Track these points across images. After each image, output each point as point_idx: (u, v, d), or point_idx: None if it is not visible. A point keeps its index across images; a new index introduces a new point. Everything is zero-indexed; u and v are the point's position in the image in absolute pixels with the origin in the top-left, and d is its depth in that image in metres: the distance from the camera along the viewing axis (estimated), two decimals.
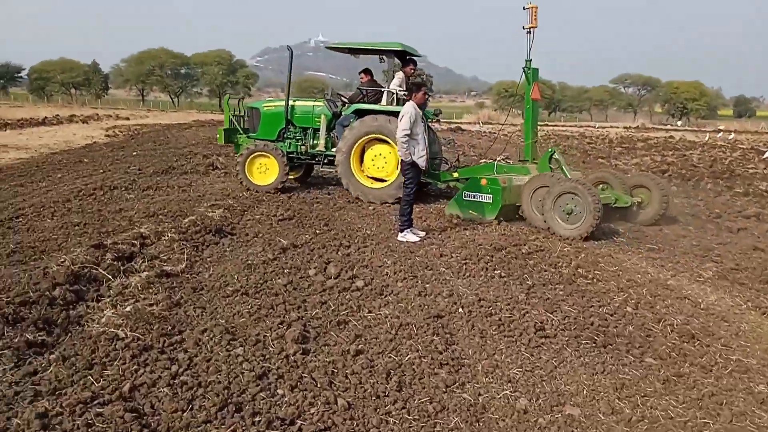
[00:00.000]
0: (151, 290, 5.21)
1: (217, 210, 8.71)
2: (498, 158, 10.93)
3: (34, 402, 3.29)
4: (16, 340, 4.03)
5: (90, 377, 3.58)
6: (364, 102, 10.83)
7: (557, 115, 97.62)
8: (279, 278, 5.66)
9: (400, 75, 10.82)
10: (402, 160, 7.39)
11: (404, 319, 4.72)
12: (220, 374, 3.71)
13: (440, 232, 7.96)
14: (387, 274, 5.95)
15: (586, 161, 18.34)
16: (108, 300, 4.96)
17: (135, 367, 3.76)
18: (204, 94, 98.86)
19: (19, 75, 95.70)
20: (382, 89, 10.78)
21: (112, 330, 4.27)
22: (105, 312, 4.69)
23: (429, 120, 10.36)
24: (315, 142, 11.00)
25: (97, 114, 36.75)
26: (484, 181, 8.60)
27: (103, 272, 5.51)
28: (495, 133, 33.75)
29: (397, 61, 11.22)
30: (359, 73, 11.60)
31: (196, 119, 39.50)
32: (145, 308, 4.73)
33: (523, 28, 9.19)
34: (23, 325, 4.28)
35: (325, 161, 11.09)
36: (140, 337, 4.20)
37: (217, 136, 11.62)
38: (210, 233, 7.26)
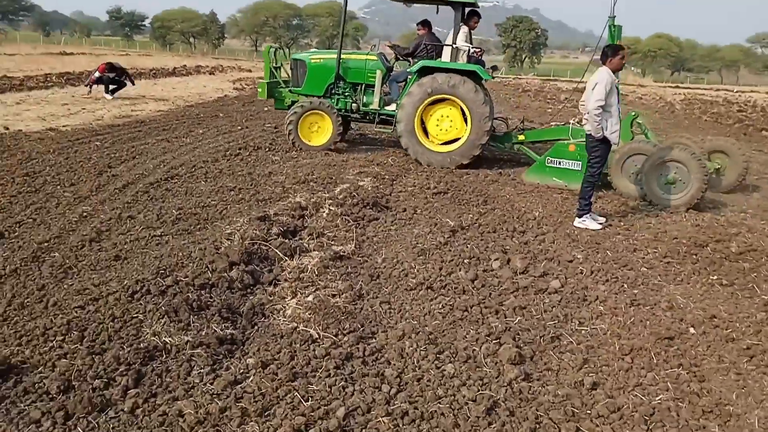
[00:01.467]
0: (328, 275, 4.76)
1: (366, 178, 8.22)
2: (572, 121, 9.99)
3: (243, 425, 2.87)
4: (204, 333, 3.68)
5: (296, 393, 3.13)
6: (425, 57, 9.89)
7: (681, 75, 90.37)
8: (461, 270, 5.05)
9: (464, 29, 9.69)
10: (590, 134, 6.48)
11: (630, 340, 3.97)
12: (440, 403, 3.15)
13: (616, 218, 7.04)
14: (581, 272, 5.18)
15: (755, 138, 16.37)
16: (286, 286, 4.55)
17: (342, 383, 3.27)
18: (314, 45, 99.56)
19: (143, 23, 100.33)
20: (444, 45, 9.82)
21: (303, 328, 3.83)
22: (287, 301, 4.29)
23: (484, 80, 9.60)
24: (367, 99, 10.12)
25: (221, 65, 37.45)
26: (572, 147, 8.14)
27: (275, 250, 5.12)
28: (623, 94, 31.32)
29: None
30: (417, 24, 10.83)
31: None
32: (329, 299, 4.28)
33: None
34: (208, 314, 3.93)
35: (379, 120, 10.19)
36: (336, 340, 3.72)
37: (258, 90, 10.75)
38: (367, 206, 6.76)
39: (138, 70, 25.30)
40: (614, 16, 8.51)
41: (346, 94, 10.24)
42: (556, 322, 4.24)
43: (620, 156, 7.99)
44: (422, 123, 9.57)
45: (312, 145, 9.81)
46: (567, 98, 24.05)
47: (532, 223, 6.56)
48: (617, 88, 6.58)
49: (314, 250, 5.33)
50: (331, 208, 6.55)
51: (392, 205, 7.09)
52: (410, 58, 10.30)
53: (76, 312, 3.76)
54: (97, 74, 15.83)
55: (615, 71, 6.41)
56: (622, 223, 6.85)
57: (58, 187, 6.85)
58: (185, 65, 32.44)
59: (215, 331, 3.73)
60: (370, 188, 7.57)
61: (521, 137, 9.93)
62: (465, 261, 5.27)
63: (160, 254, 4.91)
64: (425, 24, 10.60)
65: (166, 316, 3.77)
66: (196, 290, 4.21)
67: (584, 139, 8.13)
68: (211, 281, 4.36)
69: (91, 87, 15.77)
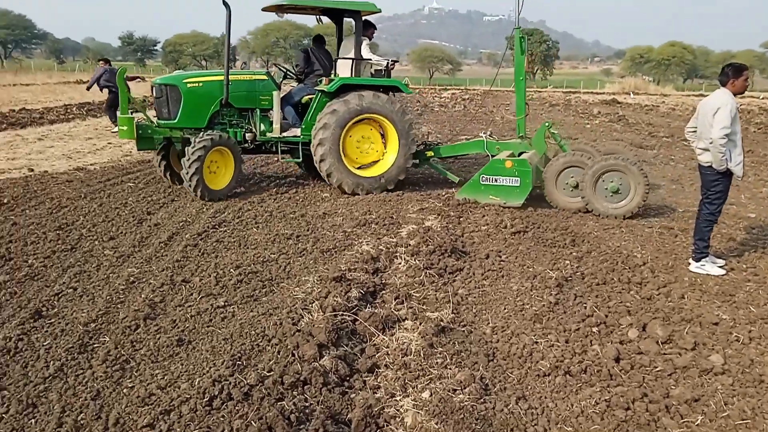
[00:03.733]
0: (436, 358, 3.90)
1: (430, 216, 7.41)
2: (483, 134, 9.52)
3: None
4: None
5: None
6: (311, 73, 9.15)
7: (694, 82, 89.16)
8: (594, 343, 4.16)
9: (366, 41, 8.95)
10: (709, 166, 5.57)
11: None
12: None
13: (722, 255, 6.12)
14: (737, 340, 4.25)
15: None
16: (391, 375, 3.69)
17: None
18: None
19: (155, 48, 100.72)
20: (353, 59, 8.76)
21: None
22: (400, 401, 3.42)
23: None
24: (264, 126, 8.62)
25: None
26: (509, 164, 7.85)
27: (365, 324, 4.26)
28: (651, 106, 30.36)
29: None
30: (309, 40, 9.75)
31: None
32: (451, 397, 3.41)
33: None
34: (310, 429, 3.06)
35: (273, 149, 8.87)
36: None
37: (119, 127, 8.30)
38: (446, 254, 5.90)
39: None
40: (520, 27, 8.72)
41: (235, 122, 8.68)
42: (745, 418, 3.33)
43: (555, 169, 7.93)
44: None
45: (214, 190, 7.98)
46: (599, 112, 23.22)
47: (643, 271, 5.64)
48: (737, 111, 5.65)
49: (407, 318, 4.49)
50: (406, 258, 5.73)
51: (472, 251, 6.22)
52: (301, 77, 9.29)
53: None
54: (100, 70, 14.43)
55: (737, 94, 5.51)
56: (739, 263, 5.92)
57: (97, 242, 6.04)
58: None
59: None
60: (439, 229, 6.76)
61: (429, 153, 9.41)
62: (593, 330, 4.38)
63: (230, 334, 4.07)
64: (317, 39, 9.54)
65: None
66: (288, 390, 3.35)
67: (486, 150, 8.85)
68: (302, 376, 3.50)
69: (96, 84, 14.43)
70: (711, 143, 5.37)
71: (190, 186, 7.71)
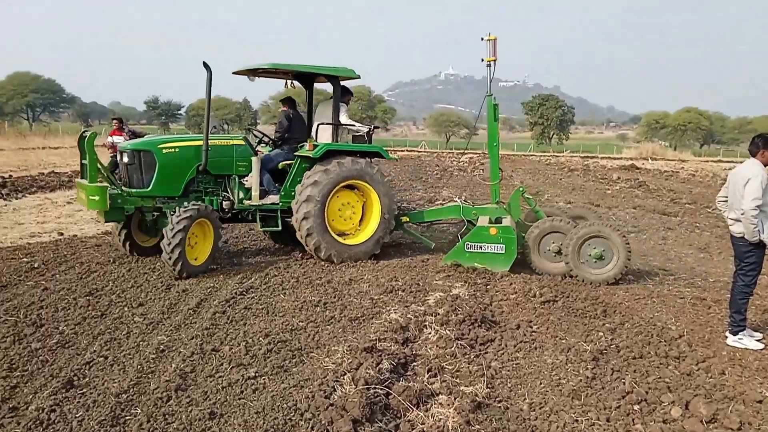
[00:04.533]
0: None
1: (457, 283, 7.35)
2: (458, 199, 9.72)
3: None
4: None
5: None
6: (285, 137, 8.89)
7: (710, 148, 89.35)
8: (638, 423, 4.02)
9: (344, 106, 8.90)
10: (741, 238, 5.51)
11: None
12: None
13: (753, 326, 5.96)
14: None
15: None
16: None
17: None
18: None
19: (179, 112, 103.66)
20: (321, 123, 8.72)
21: None
22: None
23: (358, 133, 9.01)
24: (243, 194, 8.22)
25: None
26: (494, 231, 7.94)
27: (398, 398, 4.17)
28: (671, 171, 30.39)
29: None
30: (280, 101, 9.50)
31: None
32: None
33: (482, 60, 8.70)
34: None
35: (249, 218, 8.57)
36: None
37: (88, 196, 7.31)
38: (476, 323, 5.82)
39: None
40: (491, 95, 8.81)
41: (211, 190, 8.25)
42: None
43: (537, 235, 8.02)
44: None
45: (193, 265, 7.37)
46: (619, 177, 23.30)
47: (680, 344, 5.49)
48: None
49: (441, 393, 4.39)
50: (436, 327, 5.66)
51: (501, 320, 6.13)
52: (277, 142, 9.04)
53: None
54: (113, 140, 13.64)
55: (767, 165, 5.50)
56: None
57: (126, 308, 6.05)
58: None
59: None
60: (467, 297, 6.70)
61: (404, 219, 9.30)
62: (634, 407, 4.24)
63: (262, 407, 4.00)
64: (290, 101, 9.22)
65: None
66: None
67: (462, 216, 8.87)
68: None
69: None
70: (743, 214, 5.34)
71: (170, 259, 7.02)
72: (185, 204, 7.40)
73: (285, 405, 4.02)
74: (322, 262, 8.36)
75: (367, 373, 4.42)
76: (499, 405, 4.28)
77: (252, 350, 5.02)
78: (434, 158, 38.54)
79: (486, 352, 5.27)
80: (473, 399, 4.23)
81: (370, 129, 9.15)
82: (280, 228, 8.46)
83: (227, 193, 8.29)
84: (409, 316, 5.97)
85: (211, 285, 7.02)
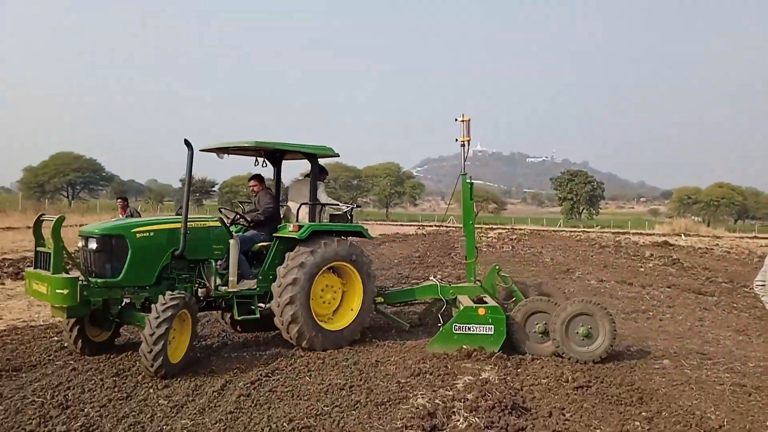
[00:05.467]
0: None
1: (487, 367, 7.18)
2: (433, 278, 9.67)
3: None
4: None
5: None
6: (261, 218, 8.27)
7: (745, 223, 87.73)
8: None
9: (322, 185, 8.68)
10: None
11: None
12: None
13: None
14: None
15: None
16: None
17: None
18: (369, 202, 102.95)
19: (213, 189, 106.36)
20: (306, 203, 8.30)
21: None
22: None
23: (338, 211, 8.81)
24: (219, 281, 7.49)
25: None
26: (482, 311, 7.77)
27: None
28: (705, 248, 29.80)
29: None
30: (249, 180, 8.69)
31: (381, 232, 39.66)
32: None
33: (456, 140, 9.04)
34: None
35: (223, 305, 7.91)
36: None
37: (52, 292, 6.40)
38: (506, 410, 5.63)
39: None
40: (466, 173, 9.06)
41: (185, 276, 7.54)
42: None
43: (521, 316, 7.92)
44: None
45: (172, 363, 6.47)
46: (652, 255, 22.90)
47: None
48: None
49: None
50: (464, 414, 5.50)
51: (533, 407, 5.93)
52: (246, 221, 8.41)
53: None
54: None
55: None
56: None
57: (152, 390, 6.02)
58: None
59: None
60: (497, 381, 6.51)
61: (379, 299, 8.96)
62: None
63: None
64: (259, 179, 8.65)
65: None
66: None
67: (440, 295, 8.84)
68: None
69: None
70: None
71: (150, 352, 6.19)
72: (168, 292, 6.69)
73: None
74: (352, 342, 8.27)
75: None
76: None
77: None
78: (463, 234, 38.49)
79: None
80: None
81: (351, 207, 8.95)
82: (258, 316, 7.85)
83: (202, 279, 7.53)
84: (437, 401, 5.82)
85: (238, 365, 6.98)
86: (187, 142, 7.01)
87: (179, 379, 6.40)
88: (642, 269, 18.91)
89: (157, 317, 6.29)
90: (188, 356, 6.80)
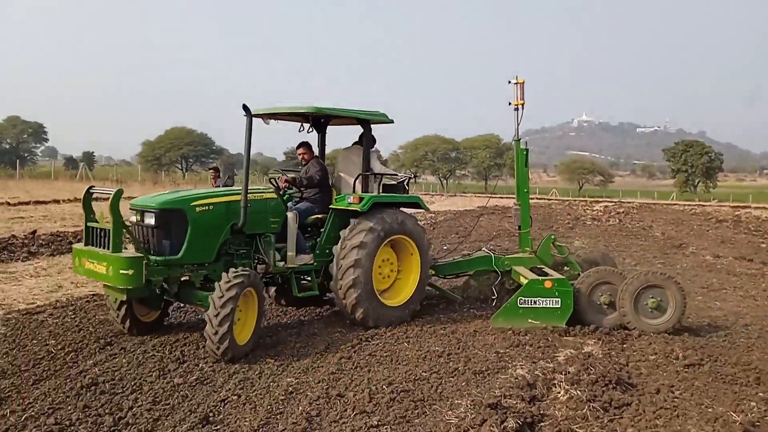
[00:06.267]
0: None
1: (590, 340, 6.96)
2: (485, 248, 9.18)
3: None
4: None
5: None
6: (308, 185, 7.70)
7: None
8: None
9: (374, 154, 8.13)
10: None
11: None
12: None
13: None
14: None
15: None
16: None
17: None
18: (467, 175, 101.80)
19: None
20: (362, 174, 7.83)
21: None
22: None
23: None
24: (278, 256, 7.00)
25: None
26: (548, 284, 7.51)
27: None
28: None
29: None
30: (297, 147, 8.02)
31: (465, 205, 39.25)
32: None
33: (510, 104, 8.75)
34: None
35: (279, 281, 7.56)
36: None
37: (110, 270, 5.90)
38: (609, 385, 5.44)
39: None
40: (519, 139, 8.73)
41: (243, 252, 6.98)
42: None
43: (587, 287, 7.66)
44: None
45: (239, 344, 6.00)
46: None
47: None
48: None
49: None
50: (566, 387, 5.37)
51: (639, 383, 5.70)
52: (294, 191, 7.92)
53: None
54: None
55: None
56: None
57: (260, 350, 6.35)
58: None
59: None
60: (601, 356, 6.31)
61: (431, 271, 8.45)
62: None
63: None
64: (307, 146, 8.01)
65: None
66: None
67: (496, 267, 8.51)
68: None
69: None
70: None
71: (215, 334, 5.75)
72: (232, 269, 6.16)
73: None
74: (447, 312, 8.30)
75: (490, 430, 4.29)
76: None
77: (375, 398, 5.05)
78: (565, 206, 37.32)
79: (621, 417, 4.91)
80: None
81: (407, 177, 8.50)
82: (318, 292, 7.55)
83: (261, 254, 7.03)
84: (536, 372, 5.73)
85: (339, 329, 7.22)
86: (245, 108, 6.58)
87: (285, 341, 6.71)
88: (764, 245, 17.54)
89: (222, 296, 5.82)
90: (256, 337, 6.32)
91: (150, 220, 6.31)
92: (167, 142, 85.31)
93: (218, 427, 4.44)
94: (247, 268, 6.38)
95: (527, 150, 8.93)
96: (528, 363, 6.08)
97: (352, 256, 7.13)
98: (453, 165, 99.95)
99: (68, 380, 5.32)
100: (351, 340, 6.79)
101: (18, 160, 62.74)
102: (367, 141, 7.91)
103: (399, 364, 6.05)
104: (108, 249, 5.95)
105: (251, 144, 6.65)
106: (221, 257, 6.75)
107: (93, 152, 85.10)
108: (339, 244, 7.30)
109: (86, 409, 4.68)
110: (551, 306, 7.49)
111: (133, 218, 6.44)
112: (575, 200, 48.64)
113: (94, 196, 6.63)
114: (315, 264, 7.47)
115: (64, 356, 6.00)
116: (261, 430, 4.39)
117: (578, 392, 5.22)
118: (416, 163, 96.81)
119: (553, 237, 8.84)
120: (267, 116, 7.60)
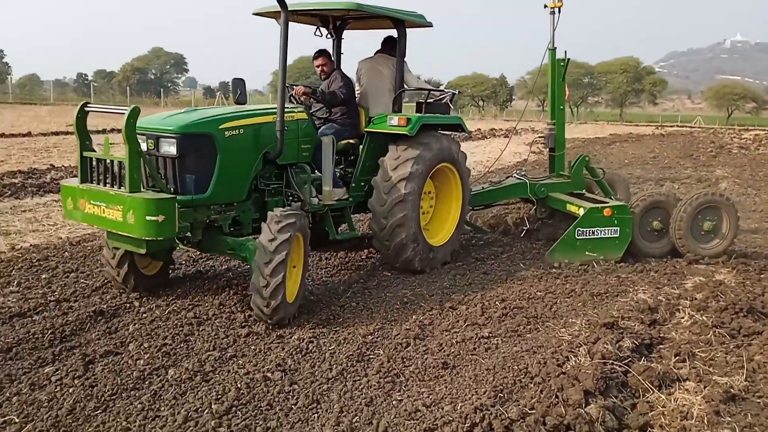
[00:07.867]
0: (723, 428, 3.42)
1: (723, 269, 6.56)
2: (516, 174, 8.17)
3: None
4: None
5: None
6: (331, 102, 6.22)
7: None
8: None
9: (407, 65, 6.58)
10: None
11: None
12: None
13: None
14: None
15: None
16: None
17: None
18: (601, 102, 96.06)
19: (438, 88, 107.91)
20: (408, 89, 6.66)
21: None
22: None
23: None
24: (314, 191, 5.69)
25: (516, 129, 36.24)
26: (608, 211, 6.89)
27: (638, 378, 3.92)
28: None
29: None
30: (314, 58, 6.50)
31: (596, 133, 37.12)
32: None
33: (545, 6, 7.81)
34: None
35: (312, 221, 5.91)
36: None
37: (131, 215, 4.29)
38: (740, 313, 5.13)
39: None
40: (555, 48, 7.88)
41: (275, 187, 5.63)
42: None
43: (640, 211, 7.08)
44: None
45: (288, 302, 4.68)
46: None
47: None
48: None
49: (689, 379, 4.00)
50: (691, 312, 5.15)
51: None
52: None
53: None
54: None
55: None
56: None
57: (378, 264, 6.63)
58: (479, 129, 33.02)
59: None
60: (734, 284, 5.94)
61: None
62: None
63: (493, 365, 4.09)
64: (325, 54, 6.55)
65: None
66: None
67: (531, 194, 7.66)
68: (565, 420, 3.34)
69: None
70: None
71: (266, 287, 4.48)
72: (278, 208, 4.96)
73: (516, 366, 4.06)
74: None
75: (604, 348, 4.23)
76: (758, 401, 3.76)
77: (487, 312, 5.14)
78: (710, 135, 34.37)
79: (749, 344, 4.64)
80: (727, 390, 3.79)
81: (453, 93, 7.19)
82: (358, 234, 6.46)
83: (294, 189, 5.64)
84: (660, 297, 5.53)
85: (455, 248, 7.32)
86: (280, 1, 5.04)
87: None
88: None
89: (273, 239, 4.55)
90: (302, 296, 5.06)
91: (169, 148, 4.80)
92: (295, 71, 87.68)
93: (338, 329, 4.74)
94: (293, 207, 5.22)
95: (567, 60, 8.01)
96: (651, 288, 5.87)
97: (401, 189, 5.89)
98: (585, 91, 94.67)
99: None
100: (466, 258, 6.87)
101: (162, 90, 67.52)
102: (400, 48, 6.48)
103: (514, 283, 6.06)
104: (121, 188, 4.45)
105: (287, 48, 5.24)
106: (251, 194, 5.45)
107: (228, 82, 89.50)
108: (380, 175, 6.03)
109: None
110: (610, 236, 6.93)
111: (145, 146, 4.81)
112: (722, 128, 44.59)
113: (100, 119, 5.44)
114: (350, 199, 6.22)
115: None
116: (376, 333, 4.63)
117: (704, 318, 5.01)
118: (545, 90, 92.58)
119: (586, 158, 8.10)
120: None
